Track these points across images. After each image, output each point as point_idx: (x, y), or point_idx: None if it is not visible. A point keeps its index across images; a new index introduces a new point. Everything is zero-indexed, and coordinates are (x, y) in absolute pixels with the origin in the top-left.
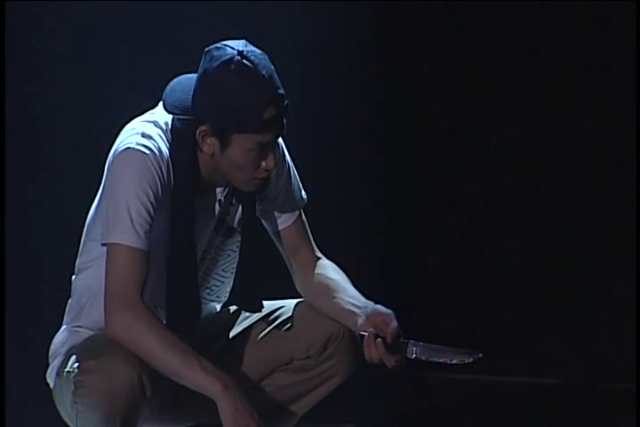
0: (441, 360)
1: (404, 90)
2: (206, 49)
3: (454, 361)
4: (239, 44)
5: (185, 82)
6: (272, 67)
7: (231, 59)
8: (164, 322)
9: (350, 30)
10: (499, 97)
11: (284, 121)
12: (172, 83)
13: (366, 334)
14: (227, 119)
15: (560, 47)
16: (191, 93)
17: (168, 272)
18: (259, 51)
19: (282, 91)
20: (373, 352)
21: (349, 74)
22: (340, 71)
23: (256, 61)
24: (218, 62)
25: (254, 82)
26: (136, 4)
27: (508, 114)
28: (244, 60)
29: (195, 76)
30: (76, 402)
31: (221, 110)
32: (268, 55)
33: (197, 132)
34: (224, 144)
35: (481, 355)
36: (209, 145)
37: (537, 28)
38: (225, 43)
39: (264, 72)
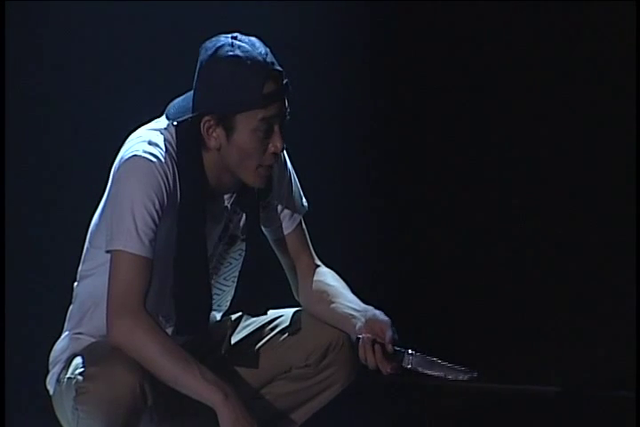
0: (435, 374)
1: (404, 93)
2: (201, 45)
3: (449, 377)
4: (232, 34)
5: (185, 95)
6: (267, 48)
7: (225, 43)
8: (173, 329)
9: (350, 31)
10: (498, 97)
11: (286, 100)
12: (172, 101)
13: (362, 337)
14: (228, 101)
15: (559, 47)
16: (191, 99)
17: (176, 278)
18: (253, 37)
19: (279, 68)
20: (370, 357)
21: (349, 78)
22: (339, 75)
23: (250, 42)
24: (213, 50)
25: (251, 60)
26: (137, 4)
27: (507, 114)
28: (238, 42)
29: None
30: (77, 409)
31: (221, 94)
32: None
33: (202, 125)
34: (229, 130)
35: (476, 374)
36: (215, 138)
37: (536, 27)
38: (218, 35)
39: (260, 50)
